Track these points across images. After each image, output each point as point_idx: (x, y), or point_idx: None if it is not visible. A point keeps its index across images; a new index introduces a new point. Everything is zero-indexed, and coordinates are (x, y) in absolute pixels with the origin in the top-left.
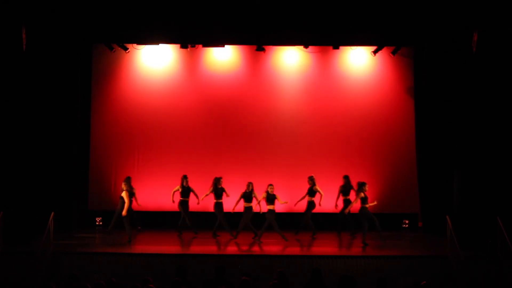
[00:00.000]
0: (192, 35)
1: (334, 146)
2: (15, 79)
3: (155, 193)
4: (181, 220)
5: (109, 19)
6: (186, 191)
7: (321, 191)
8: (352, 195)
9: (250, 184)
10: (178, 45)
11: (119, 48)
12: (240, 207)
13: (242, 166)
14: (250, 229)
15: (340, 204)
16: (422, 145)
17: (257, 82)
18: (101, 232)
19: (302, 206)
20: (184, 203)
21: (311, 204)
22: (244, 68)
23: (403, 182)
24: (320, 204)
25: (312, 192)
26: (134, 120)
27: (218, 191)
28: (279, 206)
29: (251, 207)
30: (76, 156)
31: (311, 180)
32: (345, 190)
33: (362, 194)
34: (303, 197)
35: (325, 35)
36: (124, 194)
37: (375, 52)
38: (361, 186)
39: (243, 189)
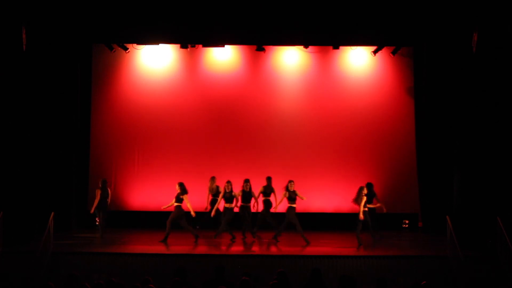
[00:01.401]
0: (192, 35)
1: (334, 146)
2: (15, 79)
3: (155, 192)
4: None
5: (109, 19)
6: (247, 196)
7: (238, 196)
8: (272, 197)
9: (229, 184)
10: (178, 45)
11: (119, 48)
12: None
13: (242, 166)
14: (228, 231)
15: (260, 204)
16: (422, 145)
17: (257, 82)
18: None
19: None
20: (243, 208)
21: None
22: (244, 68)
23: (403, 182)
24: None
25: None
26: (134, 120)
27: (291, 195)
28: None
29: (231, 208)
30: (76, 156)
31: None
32: (266, 191)
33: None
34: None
35: (325, 35)
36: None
37: (375, 52)
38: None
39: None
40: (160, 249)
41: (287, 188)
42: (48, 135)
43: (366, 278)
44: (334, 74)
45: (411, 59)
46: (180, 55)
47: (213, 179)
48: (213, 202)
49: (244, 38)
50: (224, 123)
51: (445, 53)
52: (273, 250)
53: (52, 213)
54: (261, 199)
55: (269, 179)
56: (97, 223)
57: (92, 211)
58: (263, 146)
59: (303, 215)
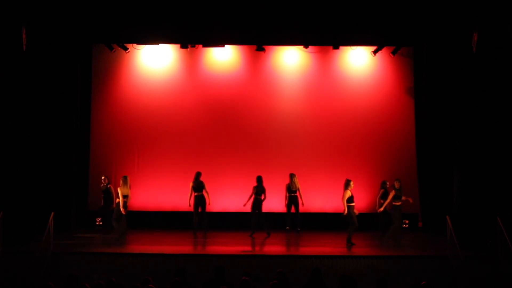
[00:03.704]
0: (192, 35)
1: (334, 146)
2: (15, 79)
3: (156, 193)
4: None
5: (109, 19)
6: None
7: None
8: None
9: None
10: (178, 45)
11: (119, 48)
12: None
13: (242, 166)
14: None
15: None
16: (422, 145)
17: (257, 82)
18: (101, 232)
19: (305, 207)
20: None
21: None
22: (244, 68)
23: (403, 182)
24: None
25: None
26: (134, 120)
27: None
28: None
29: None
30: (76, 156)
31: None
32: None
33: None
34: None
35: (325, 35)
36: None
37: (375, 52)
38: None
39: (242, 188)
40: (160, 249)
41: (393, 187)
42: (48, 135)
43: (366, 278)
44: (334, 74)
45: (411, 59)
46: (180, 55)
47: (294, 176)
48: (292, 199)
49: (244, 38)
50: (224, 123)
51: (445, 53)
52: (273, 250)
53: (52, 213)
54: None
55: (198, 174)
56: (97, 223)
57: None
58: (263, 146)
59: (303, 215)
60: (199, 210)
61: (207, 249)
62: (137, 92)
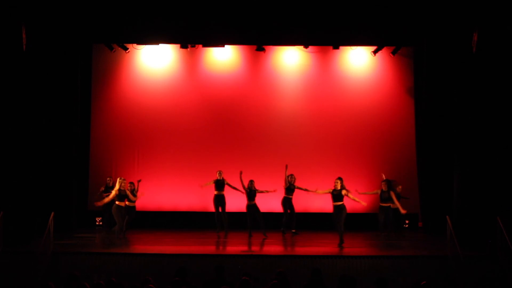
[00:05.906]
0: (192, 35)
1: (334, 146)
2: (15, 79)
3: (155, 193)
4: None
5: (109, 19)
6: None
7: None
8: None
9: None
10: (178, 45)
11: (119, 48)
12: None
13: (242, 166)
14: None
15: None
16: (422, 145)
17: (257, 82)
18: (101, 232)
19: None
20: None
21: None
22: (244, 68)
23: (403, 182)
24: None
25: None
26: (134, 120)
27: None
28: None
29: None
30: (76, 156)
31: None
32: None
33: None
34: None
35: (325, 35)
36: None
37: (375, 52)
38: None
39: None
40: (160, 249)
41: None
42: (48, 135)
43: (366, 278)
44: (334, 74)
45: (411, 59)
46: (180, 55)
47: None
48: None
49: (244, 38)
50: (224, 123)
51: (445, 53)
52: (273, 250)
53: (52, 213)
54: None
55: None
56: (97, 223)
57: None
58: (263, 146)
59: (303, 215)
60: (219, 210)
61: (207, 249)
62: (137, 92)
